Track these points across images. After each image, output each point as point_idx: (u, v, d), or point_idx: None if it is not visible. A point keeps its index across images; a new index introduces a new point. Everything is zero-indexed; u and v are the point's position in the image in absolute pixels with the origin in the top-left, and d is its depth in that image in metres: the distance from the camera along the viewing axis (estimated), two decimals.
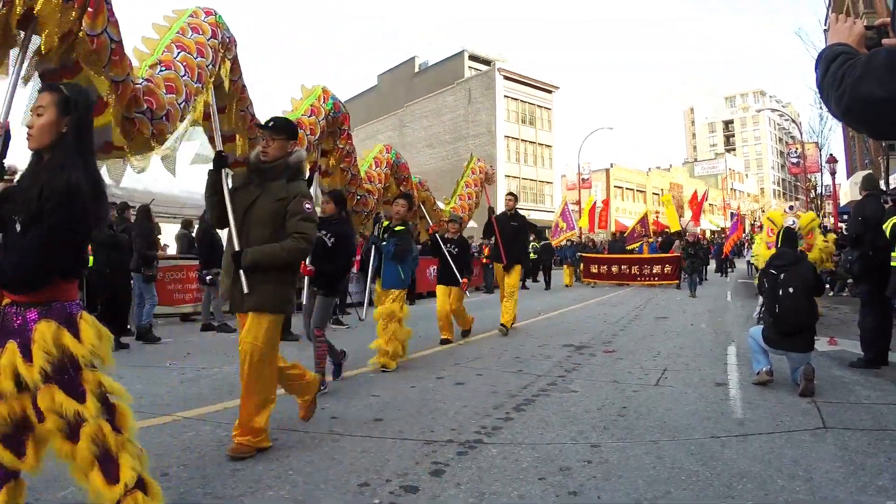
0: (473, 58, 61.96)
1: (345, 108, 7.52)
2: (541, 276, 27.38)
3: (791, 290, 6.35)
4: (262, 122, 5.07)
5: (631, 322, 12.78)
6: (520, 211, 12.45)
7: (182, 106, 4.73)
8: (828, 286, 18.51)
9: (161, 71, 4.73)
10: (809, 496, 3.56)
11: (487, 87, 56.29)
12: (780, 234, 7.33)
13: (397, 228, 7.95)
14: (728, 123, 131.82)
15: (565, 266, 28.09)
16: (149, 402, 5.87)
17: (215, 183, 4.80)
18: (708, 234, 30.88)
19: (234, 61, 5.71)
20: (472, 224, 15.84)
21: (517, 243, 11.41)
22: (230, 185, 4.90)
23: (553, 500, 3.54)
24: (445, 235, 10.57)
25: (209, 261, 11.48)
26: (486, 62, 60.75)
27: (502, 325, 11.02)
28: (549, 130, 60.83)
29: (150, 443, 4.50)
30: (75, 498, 3.53)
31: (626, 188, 70.64)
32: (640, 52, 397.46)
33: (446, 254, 10.06)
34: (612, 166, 69.21)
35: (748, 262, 27.98)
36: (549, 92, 60.60)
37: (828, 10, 34.03)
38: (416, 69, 67.04)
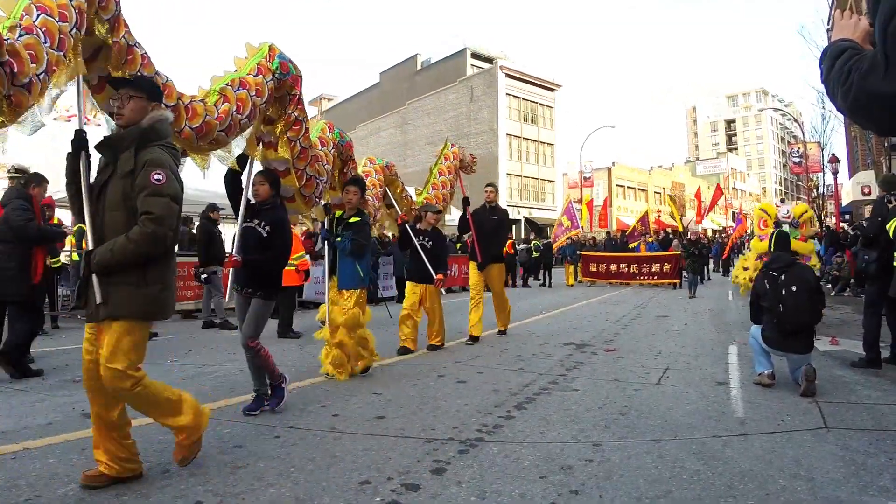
0: (475, 56, 61.91)
1: (296, 69, 6.24)
2: (540, 275, 27.45)
3: (794, 288, 6.29)
4: (114, 78, 4.25)
5: (632, 321, 12.77)
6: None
7: (42, 78, 4.11)
8: (829, 286, 18.52)
9: (21, 35, 3.97)
10: (811, 496, 3.56)
11: (489, 85, 56.23)
12: (773, 237, 7.20)
13: (352, 220, 7.05)
14: (730, 122, 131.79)
15: (566, 265, 27.64)
16: None
17: (74, 170, 3.88)
18: (709, 233, 30.80)
19: (116, 20, 4.77)
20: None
21: (496, 240, 10.46)
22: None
23: (554, 499, 3.53)
24: (418, 226, 9.33)
25: (207, 258, 11.47)
26: (489, 60, 60.69)
27: (500, 332, 10.85)
28: (551, 129, 60.79)
29: (152, 440, 4.52)
30: (77, 494, 3.54)
31: (628, 187, 70.59)
32: (642, 50, 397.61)
33: (418, 247, 8.90)
34: (613, 165, 69.19)
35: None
36: (552, 90, 60.55)
37: (831, 9, 33.99)
38: (419, 67, 67.01)
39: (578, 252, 27.09)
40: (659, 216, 42.89)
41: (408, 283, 9.26)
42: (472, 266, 10.40)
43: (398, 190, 10.04)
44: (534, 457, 4.28)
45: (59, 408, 5.55)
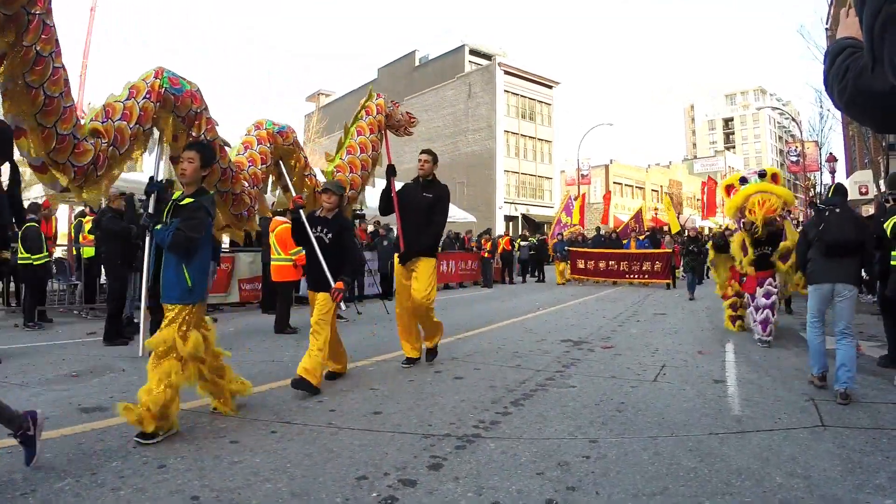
0: (474, 52, 61.92)
1: (191, 85, 5.59)
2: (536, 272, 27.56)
3: (838, 210, 6.37)
4: None
5: (629, 318, 12.77)
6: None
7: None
8: None
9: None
10: (807, 493, 3.56)
11: (487, 82, 56.22)
12: (830, 189, 7.22)
13: (184, 201, 4.97)
14: (728, 121, 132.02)
15: (556, 262, 26.25)
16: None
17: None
18: (706, 232, 30.90)
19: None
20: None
21: (429, 225, 7.57)
22: None
23: (551, 495, 3.53)
24: (317, 213, 6.92)
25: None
26: (487, 57, 60.70)
27: (429, 350, 7.88)
28: (549, 126, 60.78)
29: None
30: (73, 489, 3.54)
31: (626, 184, 70.60)
32: (640, 48, 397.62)
33: (313, 241, 6.67)
34: (611, 162, 69.19)
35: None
36: (550, 87, 60.55)
37: (830, 9, 34.01)
38: (417, 63, 67.00)
39: (567, 249, 25.66)
40: (656, 214, 42.76)
41: (309, 291, 6.91)
42: (397, 265, 7.68)
43: (298, 165, 7.89)
44: (531, 453, 4.28)
45: (57, 402, 5.54)
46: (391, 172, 7.90)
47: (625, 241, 25.70)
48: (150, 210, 5.17)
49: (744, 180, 9.90)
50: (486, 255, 23.35)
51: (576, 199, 29.41)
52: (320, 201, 6.94)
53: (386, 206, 7.83)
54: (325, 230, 6.71)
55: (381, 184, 8.70)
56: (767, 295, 9.10)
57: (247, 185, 6.98)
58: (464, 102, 58.03)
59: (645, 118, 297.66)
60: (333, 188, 6.79)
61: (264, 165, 7.07)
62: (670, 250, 23.16)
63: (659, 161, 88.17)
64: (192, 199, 4.98)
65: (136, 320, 10.75)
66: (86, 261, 12.01)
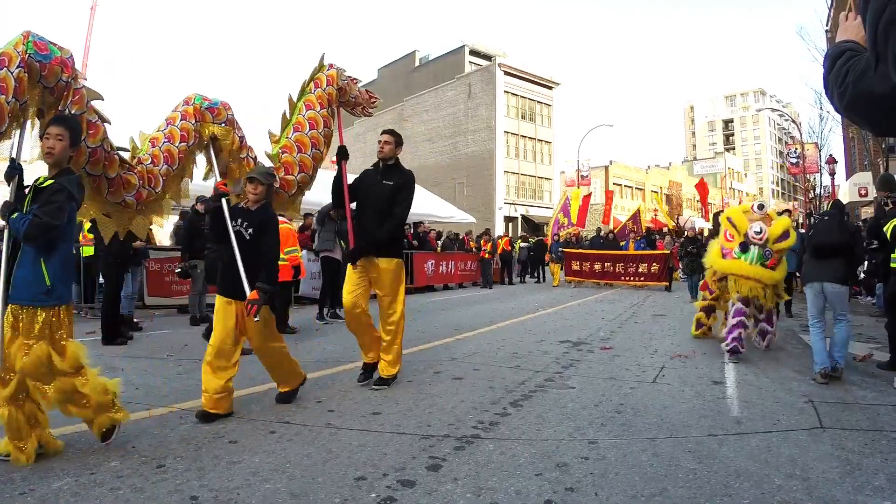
0: (474, 53, 61.94)
1: (62, 52, 4.90)
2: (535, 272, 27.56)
3: (826, 218, 7.41)
4: None
5: (629, 319, 12.77)
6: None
7: None
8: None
9: None
10: (806, 495, 3.56)
11: (487, 83, 56.20)
12: (831, 203, 7.89)
13: (45, 183, 4.24)
14: (728, 122, 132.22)
15: (552, 264, 25.69)
16: (146, 394, 5.89)
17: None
18: (706, 233, 30.77)
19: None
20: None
21: (386, 218, 6.41)
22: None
23: (550, 496, 3.53)
24: (241, 204, 5.82)
25: (190, 252, 11.40)
26: (487, 57, 60.71)
27: (381, 379, 6.52)
28: (549, 127, 60.77)
29: (147, 434, 4.52)
30: (71, 489, 3.53)
31: (625, 185, 70.62)
32: (641, 50, 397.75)
33: (231, 237, 5.52)
34: (611, 163, 69.20)
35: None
36: (550, 88, 60.54)
37: (829, 10, 34.02)
38: (417, 63, 67.03)
39: (562, 250, 25.05)
40: (656, 215, 42.65)
41: (217, 297, 5.60)
42: (350, 270, 6.51)
43: (232, 146, 6.50)
44: (530, 454, 4.28)
45: None
46: (342, 155, 6.80)
47: (622, 243, 25.26)
48: (11, 198, 4.22)
49: (744, 246, 8.36)
50: (485, 255, 23.35)
51: (572, 198, 29.14)
52: (245, 191, 5.81)
53: (336, 194, 6.76)
54: (245, 223, 5.61)
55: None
56: (740, 310, 8.33)
57: (151, 166, 5.78)
58: (464, 103, 58.03)
59: (645, 119, 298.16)
60: (260, 177, 5.68)
61: (184, 143, 5.95)
62: (668, 251, 22.64)
63: (659, 162, 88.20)
64: (51, 181, 4.23)
65: (136, 320, 10.79)
66: (85, 260, 11.99)
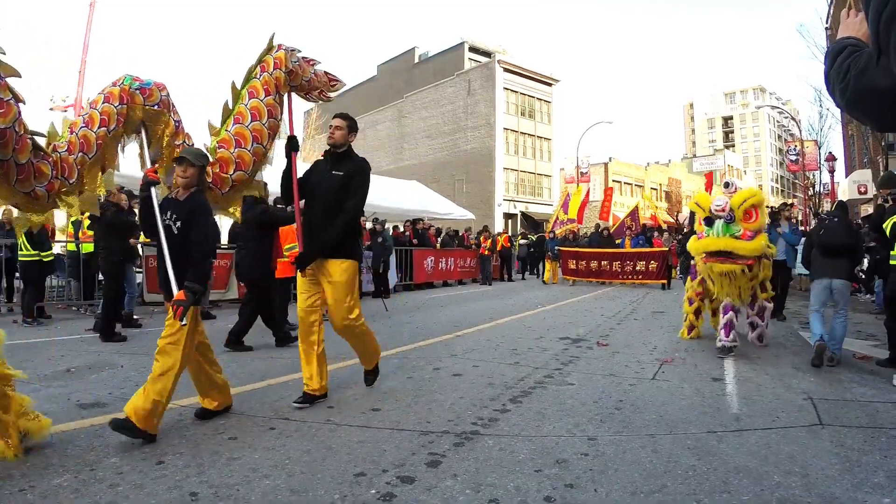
0: (473, 49, 61.90)
1: None
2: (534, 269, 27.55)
3: (836, 219, 8.08)
4: None
5: (628, 316, 12.78)
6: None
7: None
8: None
9: None
10: (805, 492, 3.56)
11: (487, 79, 56.17)
12: (836, 204, 8.17)
13: None
14: (727, 119, 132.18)
15: (546, 261, 25.14)
16: None
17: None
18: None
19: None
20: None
21: (339, 214, 5.61)
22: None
23: (549, 493, 3.53)
24: (172, 195, 5.15)
25: None
26: (486, 54, 60.68)
27: (367, 373, 6.18)
28: (549, 123, 60.73)
29: None
30: (71, 485, 3.54)
31: (625, 182, 70.54)
32: (640, 46, 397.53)
33: (160, 232, 4.90)
34: (610, 160, 69.13)
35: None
36: (549, 85, 60.50)
37: (829, 8, 34.01)
38: (416, 60, 66.96)
39: (558, 248, 24.51)
40: (655, 212, 42.64)
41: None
42: (300, 277, 5.78)
43: (165, 131, 5.72)
44: (529, 450, 4.29)
45: (55, 398, 5.53)
46: (292, 147, 6.02)
47: (618, 241, 24.81)
48: None
49: (708, 221, 8.23)
50: (484, 252, 23.35)
51: (573, 194, 29.01)
52: (174, 175, 5.10)
53: (285, 188, 6.01)
54: (174, 216, 4.93)
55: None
56: (729, 305, 8.27)
57: (66, 154, 4.90)
58: (463, 100, 58.01)
59: (644, 116, 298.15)
60: (190, 157, 5.01)
61: (103, 128, 5.15)
62: (666, 248, 22.18)
63: (658, 159, 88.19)
64: None
65: (136, 317, 10.78)
66: (84, 256, 11.98)
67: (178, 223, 4.88)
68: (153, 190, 5.04)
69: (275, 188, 6.27)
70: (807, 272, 9.27)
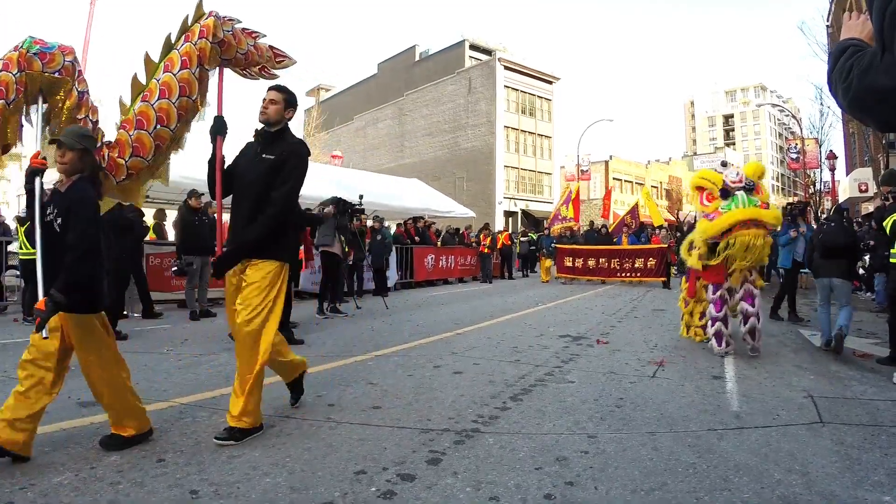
0: (474, 47, 61.82)
1: None
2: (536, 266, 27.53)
3: (833, 224, 8.83)
4: None
5: (628, 314, 12.78)
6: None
7: None
8: None
9: None
10: (805, 490, 3.56)
11: (488, 77, 56.14)
12: (834, 208, 8.64)
13: None
14: (728, 118, 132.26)
15: (541, 258, 25.14)
16: (146, 388, 5.86)
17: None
18: None
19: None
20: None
21: (265, 203, 4.65)
22: None
23: (549, 490, 3.53)
24: (57, 185, 4.20)
25: (184, 248, 11.37)
26: (487, 52, 60.61)
27: (230, 430, 4.37)
28: (549, 121, 60.71)
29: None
30: (72, 483, 3.54)
31: (625, 180, 70.52)
32: (641, 44, 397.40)
33: (37, 227, 4.07)
34: (611, 158, 69.10)
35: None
36: (550, 83, 60.47)
37: (831, 6, 33.99)
38: (417, 58, 66.90)
39: (554, 245, 24.14)
40: (649, 210, 42.51)
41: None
42: (227, 289, 4.95)
43: (66, 103, 4.79)
44: (529, 448, 4.29)
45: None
46: (218, 129, 5.12)
47: (615, 239, 24.34)
48: None
49: (724, 193, 7.84)
50: (484, 250, 23.35)
51: (573, 192, 28.81)
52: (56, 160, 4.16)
53: (212, 181, 5.05)
54: (55, 210, 4.07)
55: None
56: (719, 306, 8.07)
57: None
58: (464, 97, 57.98)
59: (645, 114, 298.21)
60: (68, 139, 4.10)
61: (2, 100, 4.40)
62: (665, 245, 21.48)
63: (659, 157, 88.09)
64: None
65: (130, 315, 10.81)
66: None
67: (59, 219, 4.02)
68: (36, 180, 4.14)
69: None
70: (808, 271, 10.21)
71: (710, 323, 8.14)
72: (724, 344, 7.93)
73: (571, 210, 27.62)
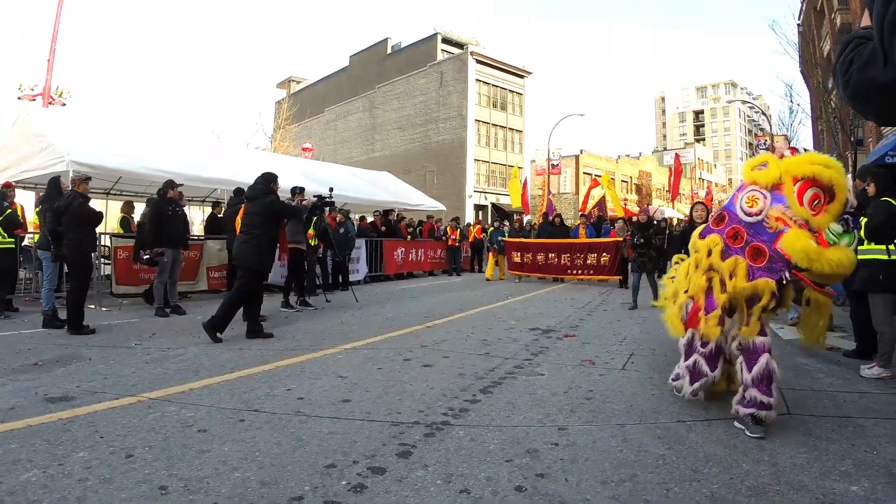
0: (446, 41, 61.73)
1: None
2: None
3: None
4: None
5: (598, 307, 12.84)
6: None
7: None
8: None
9: None
10: (774, 480, 3.60)
11: (459, 71, 56.06)
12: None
13: None
14: (698, 113, 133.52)
15: (488, 254, 22.85)
16: (113, 383, 5.80)
17: None
18: (675, 222, 30.40)
19: None
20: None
21: None
22: None
23: (520, 482, 3.54)
24: None
25: (154, 238, 11.12)
26: (459, 45, 60.57)
27: None
28: (520, 115, 60.79)
29: (115, 424, 4.47)
30: (40, 480, 3.48)
31: (596, 175, 70.76)
32: (612, 40, 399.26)
33: None
34: (581, 153, 69.35)
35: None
36: (522, 77, 60.54)
37: (802, 5, 34.38)
38: (389, 51, 66.67)
39: (501, 239, 21.67)
40: (625, 204, 42.62)
41: None
42: None
43: None
44: (500, 440, 4.29)
45: (22, 392, 5.44)
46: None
47: (571, 231, 21.89)
48: None
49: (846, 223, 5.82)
50: (453, 243, 23.34)
51: (510, 180, 28.17)
52: None
53: None
54: None
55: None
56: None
57: None
58: (435, 91, 57.89)
59: (616, 109, 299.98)
60: None
61: None
62: (621, 239, 17.10)
63: (629, 152, 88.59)
64: None
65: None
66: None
67: None
68: None
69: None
70: None
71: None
72: (694, 388, 7.32)
73: (516, 199, 27.19)
